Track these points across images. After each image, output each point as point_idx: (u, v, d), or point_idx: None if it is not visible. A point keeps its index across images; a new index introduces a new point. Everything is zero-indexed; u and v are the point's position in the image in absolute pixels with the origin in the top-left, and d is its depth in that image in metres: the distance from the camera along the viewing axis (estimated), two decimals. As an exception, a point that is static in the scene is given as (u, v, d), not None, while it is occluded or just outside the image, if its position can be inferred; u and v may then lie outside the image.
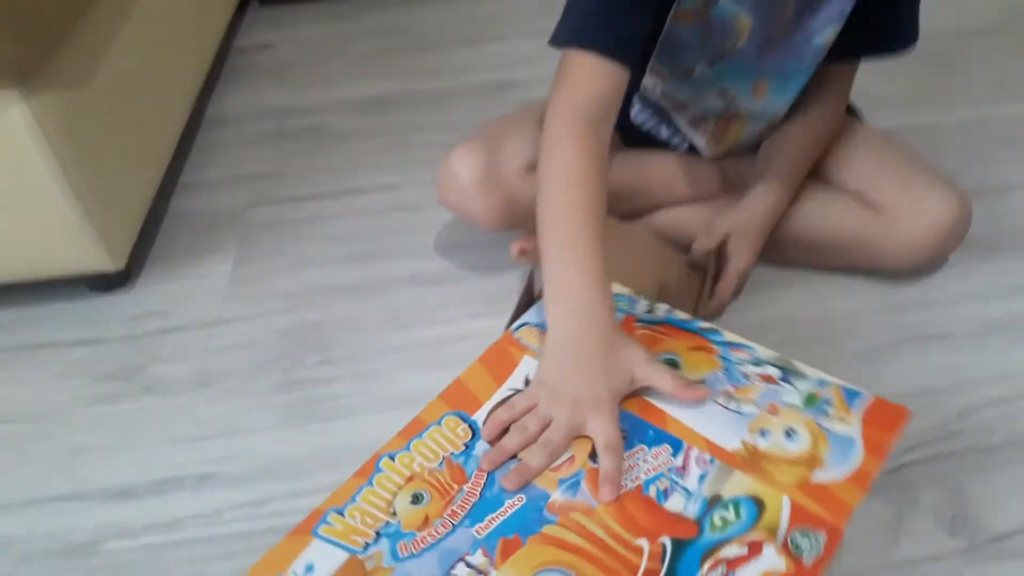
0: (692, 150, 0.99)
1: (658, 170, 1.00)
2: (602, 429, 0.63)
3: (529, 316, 0.76)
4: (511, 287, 0.99)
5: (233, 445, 0.84)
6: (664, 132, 0.98)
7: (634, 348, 0.67)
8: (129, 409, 0.89)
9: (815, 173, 0.95)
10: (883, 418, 0.64)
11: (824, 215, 0.92)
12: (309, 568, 0.58)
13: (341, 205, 1.17)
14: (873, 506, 0.73)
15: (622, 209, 1.01)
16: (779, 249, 0.95)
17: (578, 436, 0.64)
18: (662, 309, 0.76)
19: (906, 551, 0.70)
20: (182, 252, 1.11)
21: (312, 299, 1.02)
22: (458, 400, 0.69)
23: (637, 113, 0.97)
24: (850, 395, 0.66)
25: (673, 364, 0.70)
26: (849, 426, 0.63)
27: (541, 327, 0.73)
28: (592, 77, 0.75)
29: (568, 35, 0.76)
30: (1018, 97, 1.26)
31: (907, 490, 0.74)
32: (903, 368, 0.86)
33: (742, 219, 0.92)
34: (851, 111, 1.01)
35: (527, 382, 0.69)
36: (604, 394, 0.65)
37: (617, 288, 0.78)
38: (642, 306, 0.77)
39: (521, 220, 0.94)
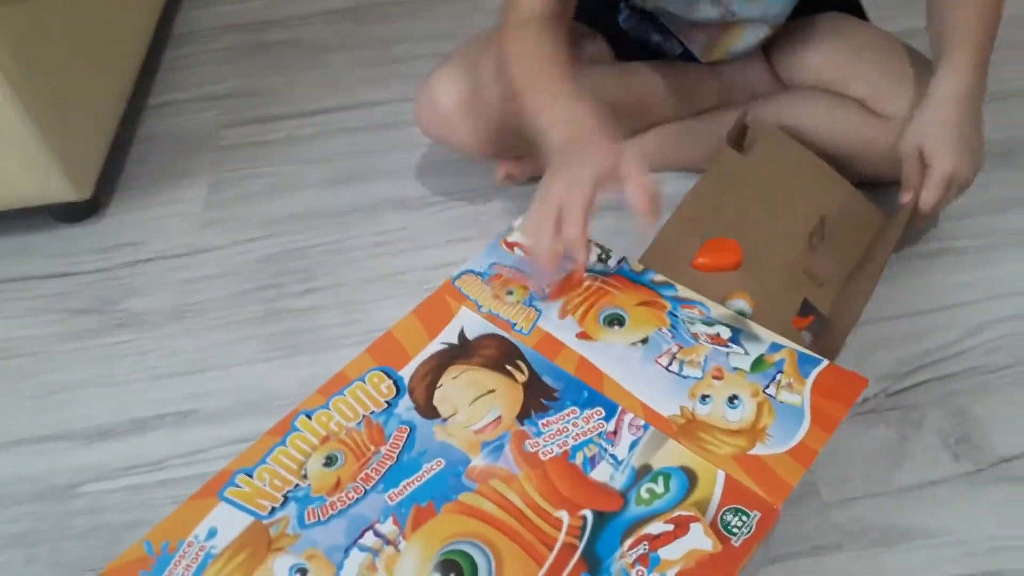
0: (687, 56, 0.93)
1: (650, 82, 0.94)
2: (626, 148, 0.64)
3: (473, 263, 0.72)
4: (498, 211, 0.95)
5: (215, 380, 0.81)
6: (655, 37, 0.92)
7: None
8: (105, 345, 0.86)
9: (817, 79, 0.89)
10: (837, 388, 0.60)
11: (827, 124, 0.87)
12: (212, 533, 0.55)
13: (320, 124, 1.11)
14: (876, 430, 0.71)
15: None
16: None
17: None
18: (615, 259, 0.72)
19: (909, 475, 0.68)
20: (153, 178, 1.06)
21: (293, 224, 0.97)
22: (385, 354, 0.66)
23: (625, 19, 0.91)
24: (805, 361, 0.62)
25: (618, 320, 0.67)
26: (799, 396, 0.60)
27: (483, 276, 0.71)
28: None
29: None
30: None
31: (911, 412, 0.72)
32: (912, 284, 0.82)
33: (927, 120, 0.77)
34: (858, 12, 0.95)
35: (462, 336, 0.66)
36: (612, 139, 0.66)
37: None
38: (593, 255, 0.73)
39: (509, 146, 0.89)
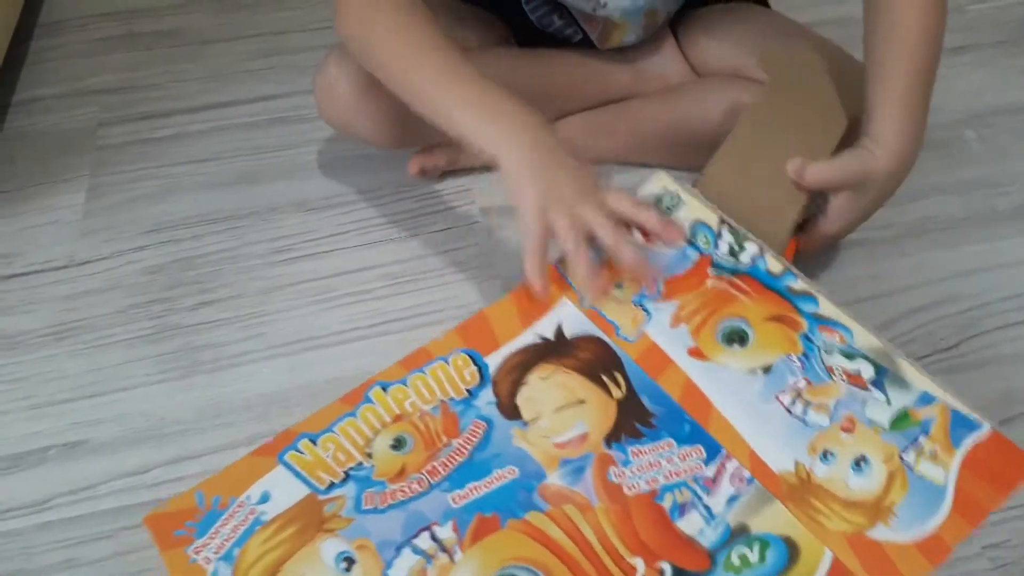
0: (588, 42, 0.90)
1: (561, 70, 0.91)
2: (618, 198, 0.61)
3: None
4: (414, 209, 0.91)
5: (103, 406, 0.74)
6: (557, 21, 0.90)
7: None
8: (-27, 372, 0.77)
9: (729, 66, 0.88)
10: (996, 466, 0.49)
11: (723, 108, 0.86)
12: (264, 497, 0.53)
13: (211, 120, 1.04)
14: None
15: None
16: (673, 150, 0.89)
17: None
18: (749, 253, 0.61)
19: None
20: (23, 182, 0.96)
21: (184, 231, 0.90)
22: (474, 337, 0.60)
23: (533, 8, 0.88)
24: (960, 423, 0.51)
25: (741, 336, 0.57)
26: (944, 469, 0.49)
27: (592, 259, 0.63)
28: None
29: None
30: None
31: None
32: (824, 279, 0.82)
33: (848, 205, 0.69)
34: (761, 1, 0.95)
35: (558, 332, 0.60)
36: (591, 177, 0.63)
37: (701, 213, 0.64)
38: (725, 244, 0.62)
39: (418, 134, 0.85)
